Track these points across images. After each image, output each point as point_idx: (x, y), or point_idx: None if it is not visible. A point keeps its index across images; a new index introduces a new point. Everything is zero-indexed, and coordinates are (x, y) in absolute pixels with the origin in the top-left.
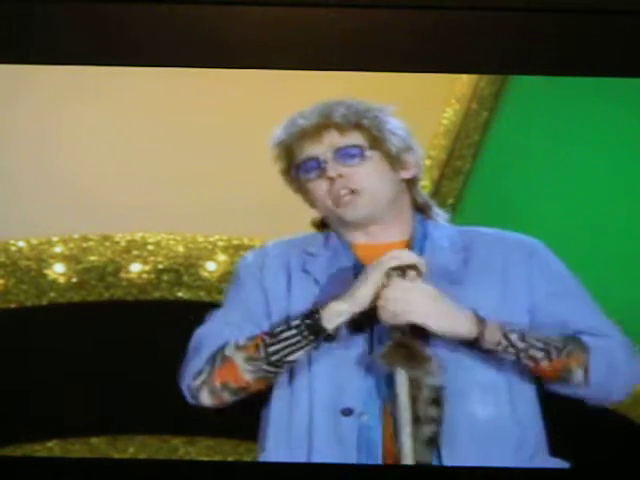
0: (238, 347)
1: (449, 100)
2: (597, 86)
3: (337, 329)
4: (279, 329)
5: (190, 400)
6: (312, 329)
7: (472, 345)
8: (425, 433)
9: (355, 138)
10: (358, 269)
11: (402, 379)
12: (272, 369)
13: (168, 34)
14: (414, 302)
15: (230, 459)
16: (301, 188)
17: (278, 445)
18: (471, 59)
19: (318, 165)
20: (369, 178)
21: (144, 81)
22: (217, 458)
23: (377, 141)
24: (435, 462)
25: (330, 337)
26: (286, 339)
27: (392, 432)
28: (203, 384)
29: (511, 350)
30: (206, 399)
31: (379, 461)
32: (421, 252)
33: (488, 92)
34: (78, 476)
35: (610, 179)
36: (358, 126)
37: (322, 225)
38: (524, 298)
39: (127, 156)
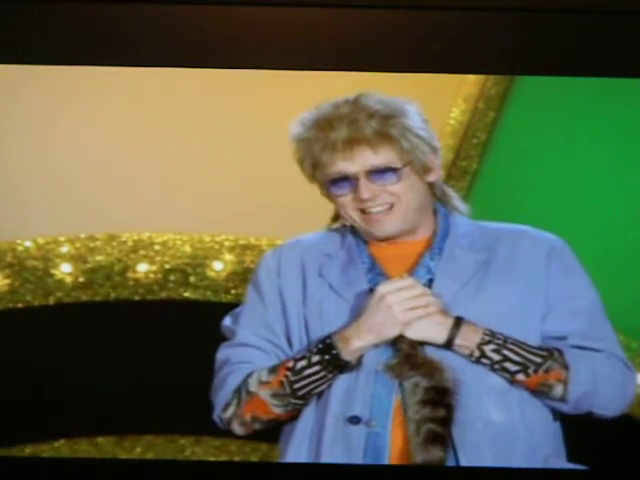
0: (262, 382)
1: (456, 100)
2: (603, 86)
3: (359, 357)
4: (301, 365)
5: (222, 428)
6: (334, 364)
7: (446, 349)
8: (422, 432)
9: (387, 155)
10: (374, 270)
11: (411, 387)
12: (300, 402)
13: (168, 34)
14: (406, 302)
15: (237, 459)
16: (329, 197)
17: (299, 455)
18: (471, 59)
19: (350, 183)
20: (402, 195)
21: (149, 81)
22: (223, 458)
23: (407, 153)
24: (453, 464)
25: (353, 366)
26: (309, 375)
27: (402, 439)
28: (233, 417)
29: (484, 361)
30: (238, 430)
31: None
32: (440, 251)
33: (495, 92)
34: (85, 476)
35: (616, 178)
36: (387, 138)
37: (339, 217)
38: (541, 303)
39: (133, 156)
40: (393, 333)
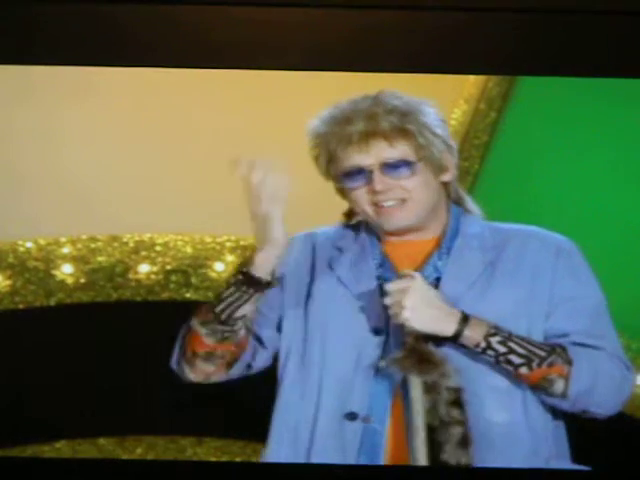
0: (194, 315)
1: (457, 101)
2: (604, 87)
3: (273, 274)
4: (221, 291)
5: (182, 380)
6: (248, 283)
7: (453, 342)
8: (454, 435)
9: (403, 149)
10: (385, 267)
11: (416, 384)
12: (226, 328)
13: (170, 35)
14: (403, 305)
15: (238, 460)
16: (342, 192)
17: (280, 445)
18: (471, 59)
19: (364, 176)
20: (414, 190)
21: (150, 81)
22: (225, 459)
23: (422, 149)
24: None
25: (271, 284)
26: (227, 297)
27: (401, 436)
28: (180, 359)
29: (490, 352)
30: (190, 374)
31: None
32: (448, 251)
33: (496, 93)
34: (86, 477)
35: (618, 179)
36: (404, 133)
37: (352, 214)
38: (545, 302)
39: (135, 156)
40: (278, 235)
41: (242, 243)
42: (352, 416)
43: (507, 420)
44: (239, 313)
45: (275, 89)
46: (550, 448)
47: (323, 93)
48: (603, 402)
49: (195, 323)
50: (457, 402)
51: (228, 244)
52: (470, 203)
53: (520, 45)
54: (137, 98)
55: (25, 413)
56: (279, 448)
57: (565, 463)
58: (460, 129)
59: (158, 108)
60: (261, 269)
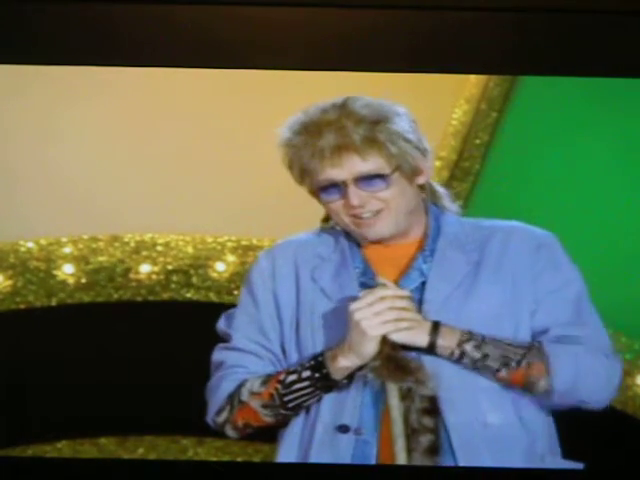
0: (253, 393)
1: (458, 101)
2: (604, 87)
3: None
4: (291, 379)
5: (216, 430)
6: (322, 382)
7: (429, 353)
8: (423, 443)
9: (376, 162)
10: (367, 274)
11: (393, 392)
12: (291, 412)
13: (169, 35)
14: (374, 317)
15: (239, 460)
16: (320, 201)
17: (289, 457)
18: (471, 59)
19: (339, 190)
20: (391, 200)
21: (150, 81)
22: (226, 459)
23: (395, 158)
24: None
25: (343, 384)
26: (298, 390)
27: (391, 447)
28: (226, 422)
29: (466, 360)
30: (231, 433)
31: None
32: (432, 253)
33: (497, 93)
34: (87, 477)
35: (619, 179)
36: (375, 144)
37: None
38: (530, 300)
39: (135, 157)
40: (370, 350)
41: (243, 243)
42: (344, 429)
43: (500, 420)
44: (308, 403)
45: (278, 88)
46: (544, 445)
47: (323, 93)
48: (591, 395)
49: (254, 403)
50: (429, 410)
51: (229, 244)
52: (447, 200)
53: (520, 45)
54: (138, 98)
55: (26, 413)
56: (288, 458)
57: (558, 459)
58: (461, 129)
59: (160, 108)
60: (340, 374)
